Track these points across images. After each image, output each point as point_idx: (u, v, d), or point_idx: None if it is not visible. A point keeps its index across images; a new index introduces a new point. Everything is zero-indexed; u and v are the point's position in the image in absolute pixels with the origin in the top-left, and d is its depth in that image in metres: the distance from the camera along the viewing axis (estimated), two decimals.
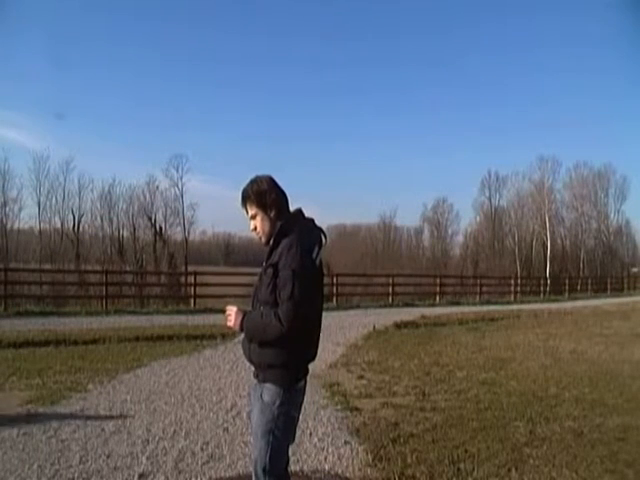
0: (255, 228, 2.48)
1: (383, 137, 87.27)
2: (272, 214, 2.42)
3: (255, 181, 2.48)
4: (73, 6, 65.24)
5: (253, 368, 2.49)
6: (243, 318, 2.37)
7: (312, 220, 2.52)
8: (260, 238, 2.48)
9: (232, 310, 2.42)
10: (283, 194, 2.48)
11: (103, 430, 4.54)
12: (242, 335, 2.46)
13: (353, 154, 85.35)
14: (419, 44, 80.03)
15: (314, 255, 2.37)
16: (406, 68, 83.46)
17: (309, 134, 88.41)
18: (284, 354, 2.31)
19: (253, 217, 2.47)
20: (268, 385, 2.36)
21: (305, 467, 3.86)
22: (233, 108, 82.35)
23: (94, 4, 69.04)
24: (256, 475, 2.40)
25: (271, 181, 2.48)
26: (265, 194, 2.42)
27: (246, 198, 2.46)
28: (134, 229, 42.41)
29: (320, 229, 2.50)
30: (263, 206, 2.42)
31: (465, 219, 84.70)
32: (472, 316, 14.90)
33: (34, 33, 59.28)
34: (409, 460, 3.94)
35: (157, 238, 41.95)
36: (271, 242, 2.41)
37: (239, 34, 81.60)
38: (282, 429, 2.38)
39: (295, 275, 2.24)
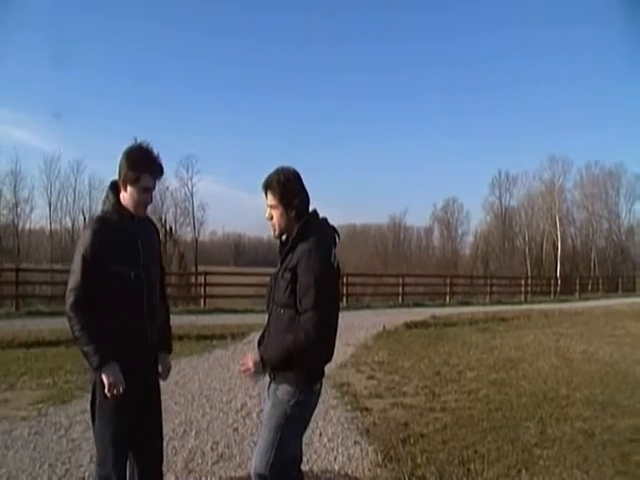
0: (271, 218, 2.44)
1: (393, 138, 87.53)
2: (292, 214, 2.39)
3: (281, 172, 2.42)
4: (75, 6, 65.57)
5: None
6: (261, 359, 2.35)
7: (326, 219, 2.49)
8: (274, 229, 2.45)
9: (246, 360, 2.40)
10: (306, 194, 2.44)
11: None
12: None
13: (363, 154, 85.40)
14: (431, 47, 79.91)
15: (332, 258, 2.36)
16: (417, 70, 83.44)
17: (320, 135, 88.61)
18: (301, 356, 2.28)
19: (272, 207, 2.42)
20: (284, 385, 2.35)
21: (315, 467, 3.86)
22: (244, 109, 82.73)
23: (96, 3, 69.38)
24: (255, 469, 2.36)
25: (297, 178, 2.44)
26: (290, 192, 2.38)
27: (269, 188, 2.41)
28: None
29: (333, 228, 2.49)
30: (285, 202, 2.38)
31: (475, 219, 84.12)
32: (482, 316, 14.81)
33: (38, 34, 59.76)
34: (419, 460, 3.93)
35: (167, 238, 42.03)
36: (288, 244, 2.38)
37: (247, 36, 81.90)
38: (291, 428, 2.37)
39: (317, 281, 2.23)
